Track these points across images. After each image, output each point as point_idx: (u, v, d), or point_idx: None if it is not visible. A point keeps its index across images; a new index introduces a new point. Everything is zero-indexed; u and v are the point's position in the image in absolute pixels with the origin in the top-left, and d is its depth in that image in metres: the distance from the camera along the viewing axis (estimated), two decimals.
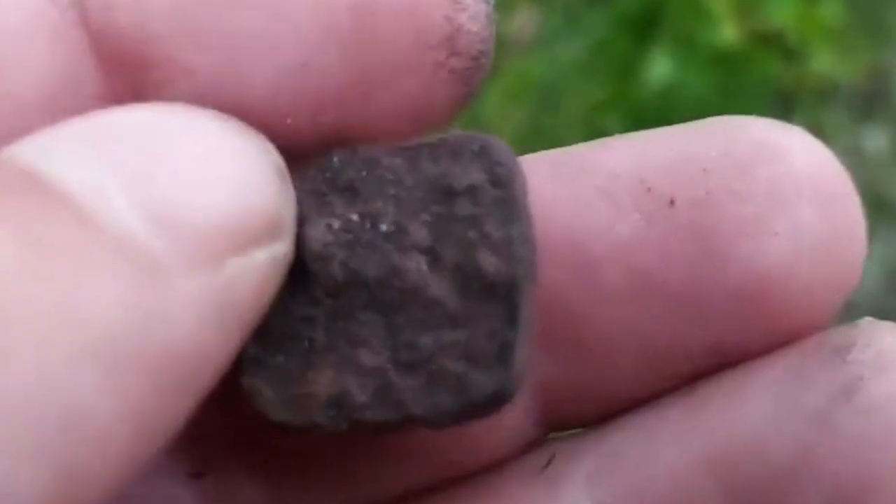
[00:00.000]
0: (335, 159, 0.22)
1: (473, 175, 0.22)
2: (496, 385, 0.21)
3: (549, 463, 0.24)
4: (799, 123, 0.24)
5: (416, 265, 0.21)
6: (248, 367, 0.22)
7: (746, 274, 0.22)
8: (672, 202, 0.23)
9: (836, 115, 0.91)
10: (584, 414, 0.24)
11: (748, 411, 0.22)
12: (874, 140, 0.92)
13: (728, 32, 0.92)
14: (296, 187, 0.22)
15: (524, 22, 0.94)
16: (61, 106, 0.21)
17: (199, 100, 0.21)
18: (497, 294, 0.21)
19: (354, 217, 0.22)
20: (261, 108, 0.21)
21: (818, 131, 0.23)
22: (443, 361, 0.21)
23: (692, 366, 0.23)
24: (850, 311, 0.24)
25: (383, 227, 0.22)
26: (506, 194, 0.21)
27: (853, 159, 0.89)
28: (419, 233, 0.22)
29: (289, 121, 0.21)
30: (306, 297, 0.22)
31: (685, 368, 0.23)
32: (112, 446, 0.17)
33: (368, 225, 0.22)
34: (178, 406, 0.18)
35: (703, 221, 0.22)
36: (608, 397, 0.24)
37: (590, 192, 0.23)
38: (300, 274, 0.22)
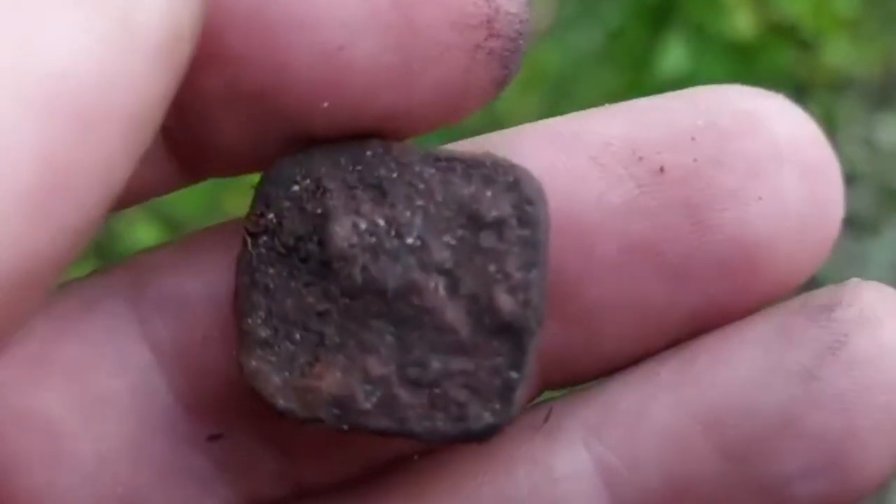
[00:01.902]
0: (368, 153, 0.22)
1: (503, 207, 0.22)
2: (494, 420, 0.22)
3: (547, 417, 0.25)
4: (812, 114, 0.25)
5: (435, 286, 0.22)
6: (255, 348, 0.22)
7: (732, 239, 0.23)
8: (662, 170, 0.23)
9: (849, 105, 0.91)
10: (579, 374, 0.25)
11: (737, 367, 0.23)
12: (887, 131, 0.92)
13: (742, 23, 0.92)
14: (326, 172, 0.22)
15: (540, 11, 0.94)
16: None
17: (235, 80, 0.21)
18: (508, 334, 0.22)
19: (381, 222, 0.22)
20: (297, 91, 0.21)
21: (831, 122, 0.24)
22: (447, 387, 0.22)
23: (682, 328, 0.24)
24: None
25: (409, 241, 0.22)
26: (530, 236, 0.22)
27: (866, 150, 0.89)
28: (442, 254, 0.22)
29: (325, 105, 0.22)
30: (322, 290, 0.22)
31: (676, 331, 0.24)
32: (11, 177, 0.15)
33: (394, 233, 0.22)
34: (88, 141, 0.16)
35: (692, 189, 0.23)
36: (602, 358, 0.25)
37: (584, 161, 0.24)
38: (319, 266, 0.22)
